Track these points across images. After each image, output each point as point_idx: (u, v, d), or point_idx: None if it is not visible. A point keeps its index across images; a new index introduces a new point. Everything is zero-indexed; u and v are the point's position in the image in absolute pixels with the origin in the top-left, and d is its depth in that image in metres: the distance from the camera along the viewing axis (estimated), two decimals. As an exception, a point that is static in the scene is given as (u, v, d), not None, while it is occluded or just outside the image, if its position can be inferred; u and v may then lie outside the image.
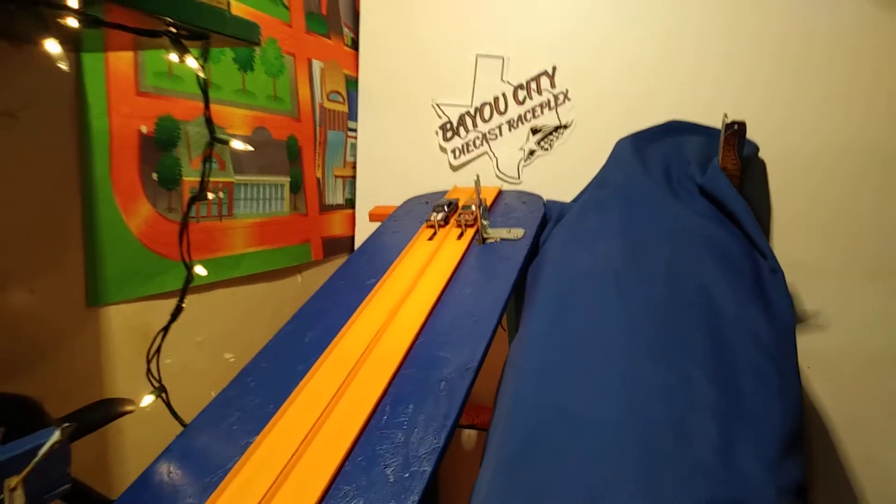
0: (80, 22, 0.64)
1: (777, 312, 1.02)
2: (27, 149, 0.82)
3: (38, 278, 0.84)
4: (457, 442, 1.65)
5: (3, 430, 0.61)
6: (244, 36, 0.79)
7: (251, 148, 1.10)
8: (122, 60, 0.95)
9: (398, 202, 1.47)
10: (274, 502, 0.70)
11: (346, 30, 1.60)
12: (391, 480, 0.73)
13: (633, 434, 0.83)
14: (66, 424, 0.61)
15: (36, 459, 0.57)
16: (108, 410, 0.76)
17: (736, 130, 1.18)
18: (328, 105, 1.53)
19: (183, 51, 0.71)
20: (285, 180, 1.36)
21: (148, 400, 0.82)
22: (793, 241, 1.45)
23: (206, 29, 0.73)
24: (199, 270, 0.84)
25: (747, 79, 1.42)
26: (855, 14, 1.38)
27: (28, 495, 0.58)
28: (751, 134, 1.37)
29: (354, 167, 1.65)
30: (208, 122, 0.77)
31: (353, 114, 1.63)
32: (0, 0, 0.61)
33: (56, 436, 0.58)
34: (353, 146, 1.64)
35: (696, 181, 1.25)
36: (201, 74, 0.74)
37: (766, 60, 1.42)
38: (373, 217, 1.50)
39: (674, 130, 1.45)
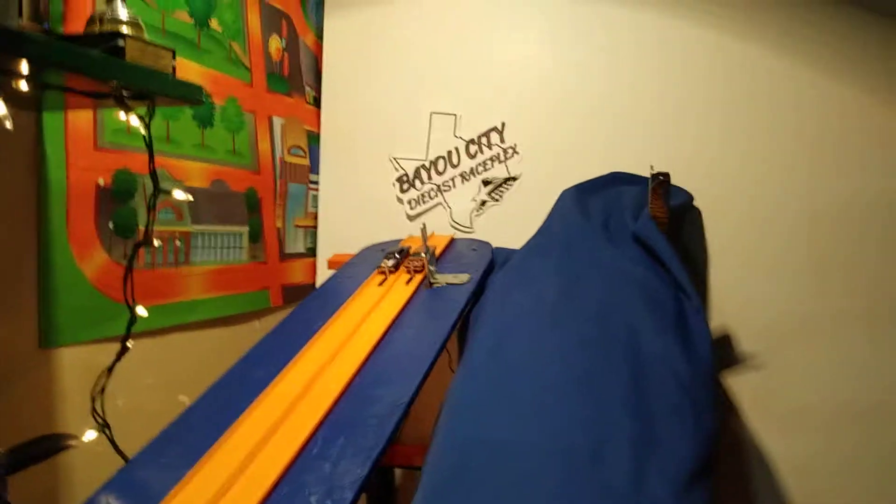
0: (30, 86, 0.72)
1: (697, 349, 1.09)
2: (14, 201, 0.89)
3: (6, 320, 0.90)
4: (405, 485, 1.68)
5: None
6: (188, 96, 0.87)
7: (191, 198, 1.17)
8: (80, 118, 1.02)
9: (357, 250, 1.54)
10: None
11: (308, 88, 1.70)
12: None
13: (554, 459, 0.89)
14: (1, 452, 0.65)
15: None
16: (49, 444, 0.81)
17: (661, 181, 1.27)
18: (289, 159, 1.61)
19: (127, 109, 0.78)
20: (244, 230, 1.43)
21: (91, 435, 0.86)
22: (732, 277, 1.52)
23: (150, 90, 0.81)
24: (140, 311, 0.90)
25: (677, 132, 1.53)
26: (774, 80, 1.49)
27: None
28: (684, 183, 1.46)
29: (316, 217, 1.72)
30: (153, 175, 0.84)
31: (314, 167, 1.71)
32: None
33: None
34: (315, 197, 1.72)
35: (630, 228, 1.33)
36: (143, 131, 0.81)
37: (692, 118, 1.53)
38: (331, 265, 1.57)
39: (615, 181, 1.54)
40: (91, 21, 0.82)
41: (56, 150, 0.98)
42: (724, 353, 1.49)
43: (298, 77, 1.66)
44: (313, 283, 1.72)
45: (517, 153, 1.62)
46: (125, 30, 0.81)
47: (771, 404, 1.47)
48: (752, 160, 1.51)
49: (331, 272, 1.54)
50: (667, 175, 1.27)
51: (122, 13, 0.82)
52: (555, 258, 1.30)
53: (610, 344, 1.07)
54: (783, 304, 1.49)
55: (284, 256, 1.59)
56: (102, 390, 0.87)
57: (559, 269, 1.26)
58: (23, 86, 0.72)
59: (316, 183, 1.72)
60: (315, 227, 1.72)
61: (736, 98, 1.51)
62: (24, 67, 0.71)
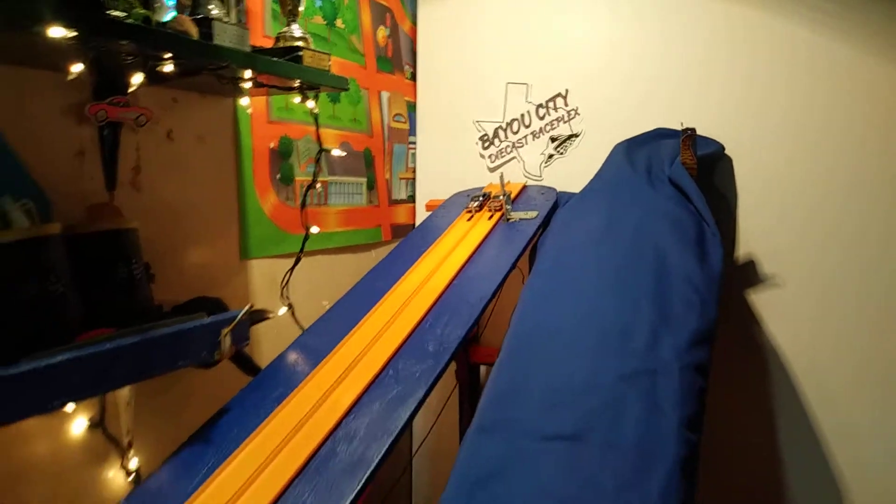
0: (252, 85, 1.14)
1: (710, 262, 1.43)
2: (209, 160, 1.34)
3: (217, 240, 1.36)
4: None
5: (206, 314, 1.11)
6: (340, 85, 1.28)
7: (343, 153, 1.60)
8: (257, 102, 1.46)
9: (448, 196, 1.94)
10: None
11: (406, 66, 2.10)
12: (430, 350, 1.19)
13: (592, 334, 1.27)
14: (248, 306, 1.10)
15: (238, 318, 1.06)
16: (261, 314, 1.25)
17: (689, 135, 1.60)
18: (393, 125, 2.02)
19: (305, 97, 1.20)
20: (363, 180, 1.86)
21: (283, 310, 1.31)
22: (759, 221, 1.83)
23: (318, 83, 1.23)
24: (313, 230, 1.34)
25: (716, 94, 1.82)
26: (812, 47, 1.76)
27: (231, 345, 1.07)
28: (721, 138, 1.78)
29: (414, 171, 2.13)
30: (318, 140, 1.27)
31: (412, 131, 2.12)
32: (205, 70, 1.11)
33: (246, 309, 1.08)
34: (413, 155, 2.13)
35: (666, 173, 1.67)
36: (315, 111, 1.23)
37: (736, 81, 1.81)
38: (428, 208, 1.98)
39: (658, 136, 1.86)
40: (278, 39, 1.24)
41: (245, 124, 1.42)
42: (749, 273, 1.81)
43: (399, 58, 2.05)
44: (413, 223, 2.14)
45: (578, 114, 1.97)
46: (301, 43, 1.22)
47: (787, 312, 1.78)
48: (790, 120, 1.76)
49: (427, 213, 1.95)
50: (693, 130, 1.60)
51: (297, 32, 1.24)
52: (605, 198, 1.66)
53: (640, 257, 1.43)
54: (808, 255, 1.77)
55: (392, 202, 2.02)
56: (286, 283, 1.32)
57: (607, 206, 1.62)
58: (246, 86, 1.15)
59: (413, 143, 2.13)
60: (413, 178, 2.14)
61: (774, 66, 1.77)
62: (249, 74, 1.13)
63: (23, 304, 0.88)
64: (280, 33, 1.24)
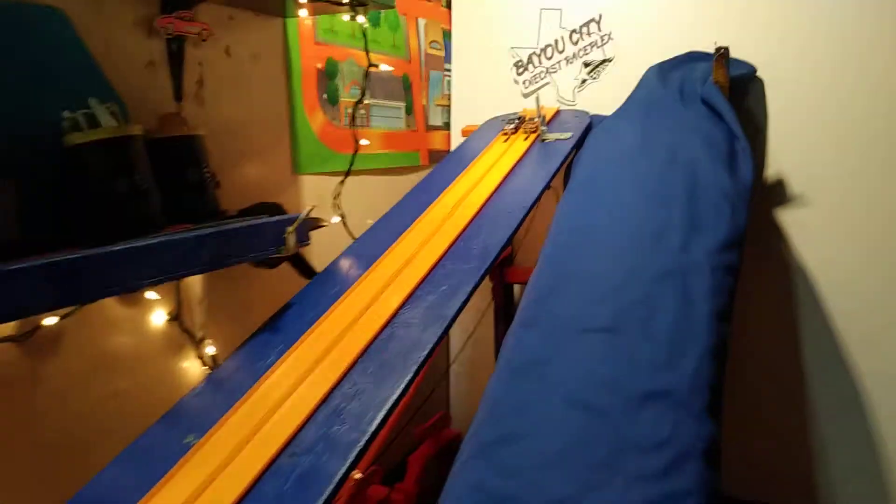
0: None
1: (741, 174, 1.49)
2: (263, 77, 1.41)
3: (271, 155, 1.44)
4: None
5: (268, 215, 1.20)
6: (387, 2, 1.33)
7: (391, 68, 1.66)
8: (304, 23, 1.52)
9: (481, 123, 2.00)
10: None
11: (442, -6, 2.14)
12: (475, 253, 1.27)
13: (627, 237, 1.35)
14: (310, 208, 1.19)
15: (301, 217, 1.14)
16: (317, 221, 1.34)
17: (722, 53, 1.63)
18: (430, 51, 2.07)
19: (356, 14, 1.26)
20: (402, 105, 1.92)
21: (336, 219, 1.40)
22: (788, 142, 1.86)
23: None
24: (363, 142, 1.41)
25: (755, 19, 1.83)
26: None
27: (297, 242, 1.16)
28: (754, 61, 1.81)
29: (449, 98, 2.19)
30: (367, 55, 1.33)
31: (447, 58, 2.17)
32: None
33: (308, 210, 1.16)
34: (448, 82, 2.18)
35: (698, 92, 1.71)
36: (365, 25, 1.29)
37: (772, 4, 1.83)
38: (464, 133, 2.04)
39: (690, 59, 1.89)
40: (328, -44, 1.29)
41: (294, 45, 1.49)
42: (777, 194, 1.86)
43: (436, -14, 2.09)
44: (449, 149, 2.20)
45: (612, 39, 2.00)
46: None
47: (815, 233, 1.84)
48: (826, 46, 1.77)
49: (464, 139, 2.01)
50: (726, 48, 1.64)
51: (347, -51, 1.29)
52: (638, 117, 1.71)
53: (674, 171, 1.49)
54: (838, 177, 1.80)
55: (429, 128, 2.08)
56: (339, 193, 1.40)
57: (641, 124, 1.67)
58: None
59: (449, 70, 2.18)
60: (449, 105, 2.19)
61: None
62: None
63: (116, 198, 0.98)
64: (329, -49, 1.29)
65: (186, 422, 0.97)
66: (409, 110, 1.96)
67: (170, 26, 1.14)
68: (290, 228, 1.14)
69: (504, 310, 2.09)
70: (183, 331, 1.23)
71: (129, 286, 0.92)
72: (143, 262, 0.92)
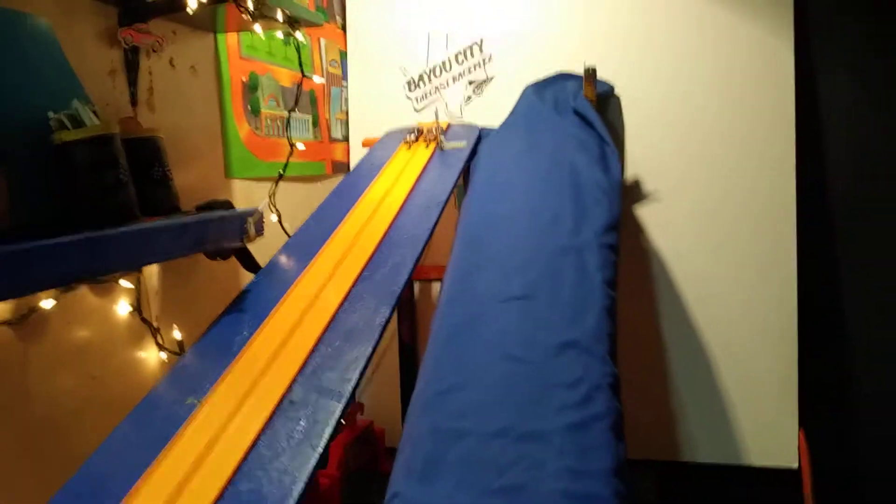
0: (251, 18, 1.36)
1: (612, 172, 1.80)
2: (200, 88, 1.53)
3: (207, 159, 1.55)
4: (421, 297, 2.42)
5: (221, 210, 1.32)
6: (315, 20, 1.51)
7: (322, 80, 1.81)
8: (232, 38, 1.65)
9: (379, 135, 2.20)
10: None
11: (338, 17, 2.32)
12: (405, 239, 1.47)
13: (527, 222, 1.60)
14: (266, 202, 1.33)
15: (260, 209, 1.29)
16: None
17: (591, 73, 1.96)
18: (330, 69, 2.24)
19: (294, 30, 1.43)
20: (309, 117, 2.08)
21: (274, 217, 1.54)
22: (641, 148, 2.23)
23: (301, 17, 1.45)
24: (300, 146, 1.56)
25: (615, 45, 2.19)
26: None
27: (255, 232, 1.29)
28: (613, 81, 2.15)
29: (347, 113, 2.37)
30: (302, 71, 1.49)
31: (344, 75, 2.35)
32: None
33: (262, 205, 1.31)
34: (346, 99, 2.36)
35: (571, 105, 2.03)
36: (304, 42, 1.46)
37: (628, 34, 2.19)
38: (364, 144, 2.22)
39: (561, 78, 2.21)
40: (266, -20, 1.45)
41: (224, 58, 1.61)
42: (634, 191, 2.22)
43: (332, 9, 2.27)
44: (348, 160, 2.38)
45: (492, 60, 2.29)
46: (286, -15, 1.44)
47: (667, 223, 2.21)
48: (670, 69, 2.17)
49: (363, 150, 2.19)
50: (594, 69, 1.96)
51: (282, -25, 1.45)
52: (523, 127, 1.99)
53: (558, 169, 1.78)
54: (681, 175, 2.19)
55: (332, 139, 2.25)
56: (272, 197, 1.54)
57: (525, 133, 1.95)
58: (249, 5, 1.35)
59: (346, 87, 2.36)
60: (347, 119, 2.37)
61: (658, 23, 2.17)
62: (249, 4, 1.34)
63: (104, 189, 1.08)
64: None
65: (184, 387, 1.08)
66: (316, 123, 2.12)
67: (129, 38, 1.25)
68: (251, 219, 1.28)
69: (406, 304, 2.29)
70: (142, 320, 1.32)
71: (127, 266, 1.03)
72: (139, 245, 1.03)
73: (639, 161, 2.22)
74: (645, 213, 2.23)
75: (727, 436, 2.09)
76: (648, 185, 2.23)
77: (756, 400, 2.07)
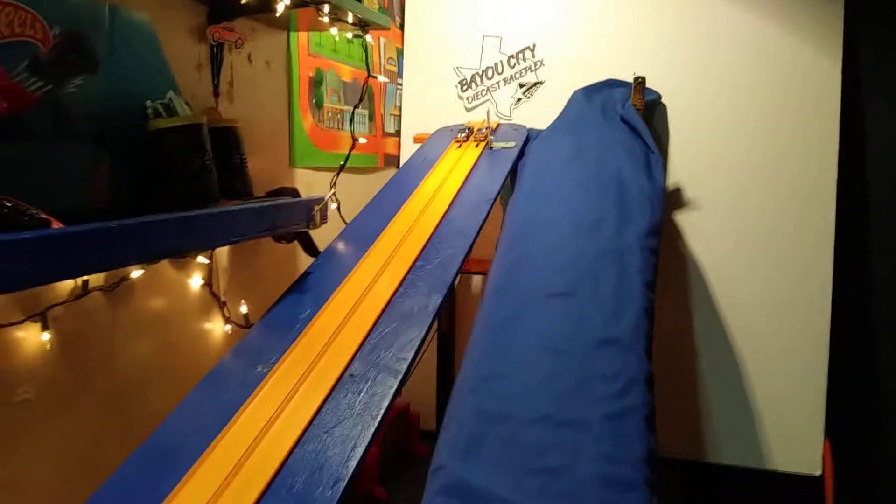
0: (328, 19, 1.45)
1: (655, 178, 1.87)
2: (272, 82, 1.64)
3: (275, 149, 1.66)
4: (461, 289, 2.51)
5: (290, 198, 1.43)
6: (384, 24, 1.60)
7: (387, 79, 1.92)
8: (302, 36, 1.75)
9: (430, 132, 2.29)
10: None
11: (397, 17, 2.41)
12: (455, 232, 1.56)
13: (571, 226, 1.68)
14: (332, 192, 1.43)
15: (326, 199, 1.38)
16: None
17: (640, 82, 2.02)
18: (387, 67, 2.34)
19: (364, 32, 1.52)
20: (366, 112, 2.18)
21: (334, 205, 1.64)
22: (684, 156, 2.29)
23: (370, 20, 1.55)
24: (361, 140, 1.66)
25: (663, 55, 2.25)
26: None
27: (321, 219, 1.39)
28: (660, 89, 2.21)
29: (401, 109, 2.47)
30: (368, 70, 1.59)
31: (400, 73, 2.45)
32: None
33: (330, 194, 1.40)
34: (400, 95, 2.46)
35: (618, 112, 2.09)
36: (373, 43, 1.55)
37: (677, 45, 2.25)
38: (416, 140, 2.32)
39: (609, 84, 2.28)
40: (340, -16, 1.55)
41: (294, 55, 1.72)
42: (675, 198, 2.28)
43: (392, 10, 2.37)
44: (398, 154, 2.48)
45: (543, 65, 2.36)
46: (357, -11, 1.54)
47: (705, 231, 2.27)
48: (718, 79, 2.22)
49: (414, 146, 2.29)
50: (643, 78, 2.03)
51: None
52: (571, 131, 2.07)
53: (604, 174, 1.85)
54: (722, 184, 2.25)
55: (384, 134, 2.35)
56: (335, 183, 1.64)
57: (573, 137, 2.03)
58: (326, 9, 1.44)
59: (401, 84, 2.46)
60: (400, 115, 2.47)
61: (709, 37, 2.22)
62: (326, 8, 1.44)
63: (192, 173, 1.19)
64: (340, -20, 1.54)
65: (253, 357, 1.18)
66: (371, 117, 2.22)
67: (217, 34, 1.36)
68: (318, 207, 1.38)
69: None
70: (212, 294, 1.43)
71: (210, 244, 1.14)
72: (221, 226, 1.14)
73: (680, 168, 2.28)
74: (684, 220, 2.29)
75: (752, 440, 2.14)
76: (689, 193, 2.28)
77: (783, 407, 2.12)
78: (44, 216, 0.83)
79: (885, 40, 2.21)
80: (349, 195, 1.80)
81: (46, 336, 1.05)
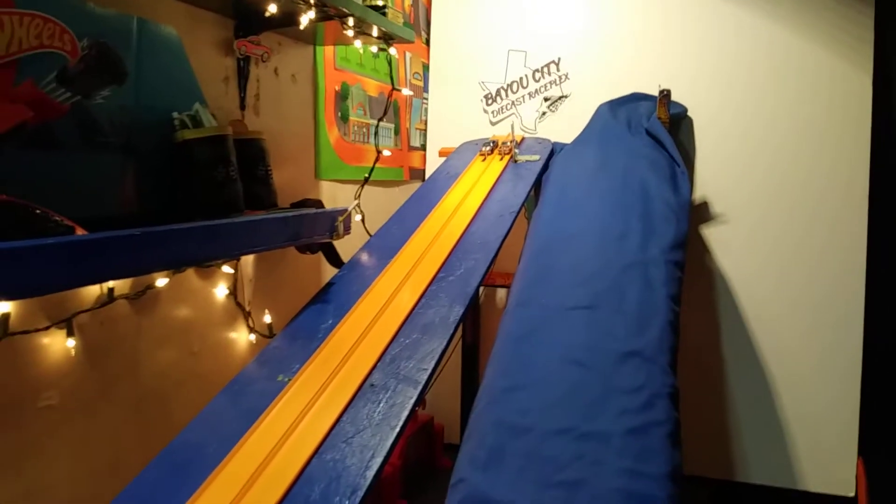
0: (353, 33, 1.47)
1: (681, 192, 1.85)
2: (298, 95, 1.66)
3: (300, 161, 1.68)
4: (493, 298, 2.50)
5: (314, 208, 1.44)
6: (408, 38, 1.62)
7: (411, 93, 1.93)
8: (328, 50, 1.78)
9: (455, 146, 2.30)
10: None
11: (423, 33, 2.43)
12: (478, 244, 1.56)
13: (597, 239, 1.67)
14: (355, 203, 1.44)
15: (349, 210, 1.39)
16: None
17: (665, 95, 2.01)
18: (413, 81, 2.36)
19: (388, 45, 1.54)
20: (392, 126, 2.19)
21: (358, 217, 1.65)
22: (711, 169, 2.26)
23: (395, 34, 1.56)
24: (385, 153, 1.67)
25: (688, 68, 2.24)
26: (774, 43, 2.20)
27: (344, 229, 1.40)
28: (686, 103, 2.19)
29: (426, 123, 2.48)
30: (392, 84, 1.60)
31: (425, 87, 2.46)
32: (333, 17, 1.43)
33: (354, 205, 1.41)
34: (426, 109, 2.48)
35: (644, 126, 2.08)
36: (396, 56, 1.56)
37: (702, 58, 2.24)
38: (441, 153, 2.33)
39: (634, 98, 2.27)
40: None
41: (320, 68, 1.74)
42: (702, 212, 2.25)
43: (418, 25, 2.39)
44: (424, 168, 2.49)
45: (568, 79, 2.36)
46: (382, 2, 1.55)
47: (732, 245, 2.23)
48: (743, 92, 2.20)
49: (439, 160, 2.30)
50: (668, 91, 2.01)
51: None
52: (596, 144, 2.06)
53: (629, 188, 1.84)
54: (749, 198, 2.21)
55: (410, 148, 2.36)
56: (359, 195, 1.65)
57: (599, 150, 2.02)
58: (350, 22, 1.46)
59: (426, 99, 2.47)
60: (425, 129, 2.48)
61: (736, 51, 2.20)
62: (351, 21, 1.46)
63: (217, 183, 1.20)
64: (366, -4, 1.57)
65: (274, 366, 1.19)
66: (397, 131, 2.24)
67: (243, 48, 1.38)
68: (341, 218, 1.39)
69: (471, 307, 2.37)
70: (237, 304, 1.44)
71: (234, 252, 1.15)
72: (246, 235, 1.15)
73: (707, 182, 2.26)
74: (712, 234, 2.26)
75: (783, 458, 2.09)
76: (716, 207, 2.25)
77: (815, 424, 2.07)
78: (68, 223, 0.85)
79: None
80: (374, 207, 1.81)
81: (71, 343, 1.07)
